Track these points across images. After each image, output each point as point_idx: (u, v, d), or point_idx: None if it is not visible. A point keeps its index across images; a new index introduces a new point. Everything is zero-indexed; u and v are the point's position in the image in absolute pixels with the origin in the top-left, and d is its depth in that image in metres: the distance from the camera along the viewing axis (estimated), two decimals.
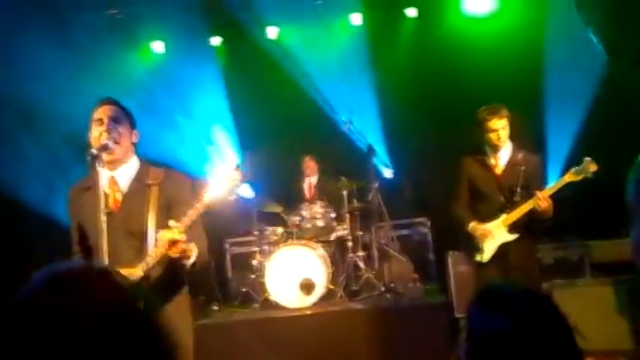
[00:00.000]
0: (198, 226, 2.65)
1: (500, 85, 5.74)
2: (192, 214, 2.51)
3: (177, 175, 2.77)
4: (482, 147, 4.06)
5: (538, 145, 5.17)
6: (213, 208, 2.56)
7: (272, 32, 7.01)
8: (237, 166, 2.59)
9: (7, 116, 5.85)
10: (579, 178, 3.78)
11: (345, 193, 6.12)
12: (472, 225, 4.01)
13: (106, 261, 2.48)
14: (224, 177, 2.55)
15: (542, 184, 3.97)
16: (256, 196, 6.40)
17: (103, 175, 2.69)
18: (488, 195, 4.02)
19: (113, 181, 2.71)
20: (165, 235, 2.44)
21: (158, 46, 7.06)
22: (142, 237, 2.62)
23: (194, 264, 2.57)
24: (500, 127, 3.92)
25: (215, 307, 5.89)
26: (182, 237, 2.45)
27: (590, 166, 3.76)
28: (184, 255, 2.51)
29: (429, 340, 5.00)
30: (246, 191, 6.53)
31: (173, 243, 2.44)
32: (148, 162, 2.81)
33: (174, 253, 2.47)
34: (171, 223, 2.46)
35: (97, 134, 2.68)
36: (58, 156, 5.84)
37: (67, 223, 2.85)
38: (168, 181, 2.70)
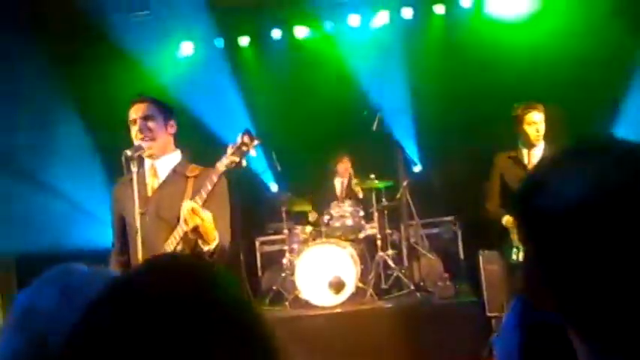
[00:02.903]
0: (222, 219, 2.69)
1: (537, 84, 5.67)
2: (208, 183, 2.62)
3: (213, 171, 2.80)
4: (516, 144, 4.04)
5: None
6: (227, 172, 2.66)
7: (301, 32, 7.02)
8: (247, 131, 2.65)
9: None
10: None
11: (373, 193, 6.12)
12: (507, 217, 3.94)
13: (139, 247, 2.56)
14: (235, 143, 2.63)
15: None
16: (284, 194, 6.41)
17: (146, 164, 2.79)
18: None
19: (154, 170, 2.81)
20: (185, 205, 2.51)
21: (187, 48, 7.11)
22: (173, 225, 2.67)
23: (213, 253, 2.56)
24: (539, 120, 3.91)
25: None
26: (200, 210, 2.49)
27: None
28: (203, 234, 2.52)
29: (461, 339, 4.98)
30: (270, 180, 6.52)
31: (193, 212, 2.47)
32: (188, 159, 2.90)
33: (194, 223, 2.48)
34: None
35: (133, 134, 2.76)
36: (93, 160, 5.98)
37: None
38: (204, 174, 2.75)
